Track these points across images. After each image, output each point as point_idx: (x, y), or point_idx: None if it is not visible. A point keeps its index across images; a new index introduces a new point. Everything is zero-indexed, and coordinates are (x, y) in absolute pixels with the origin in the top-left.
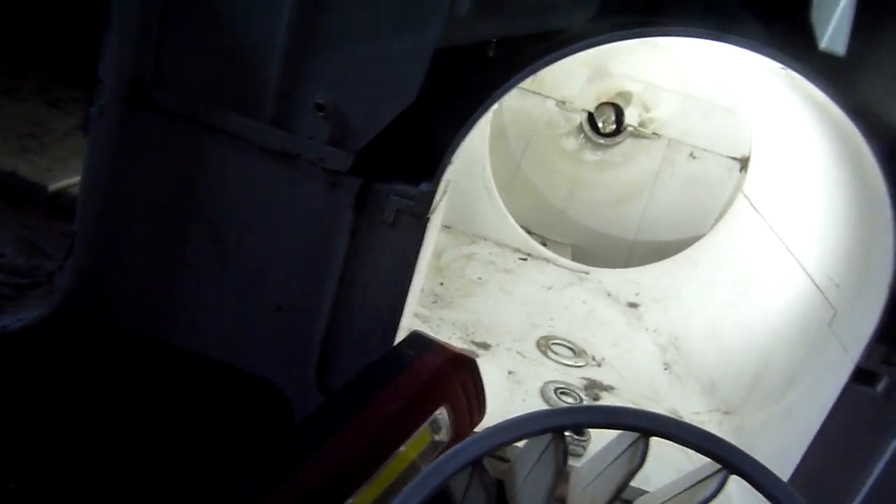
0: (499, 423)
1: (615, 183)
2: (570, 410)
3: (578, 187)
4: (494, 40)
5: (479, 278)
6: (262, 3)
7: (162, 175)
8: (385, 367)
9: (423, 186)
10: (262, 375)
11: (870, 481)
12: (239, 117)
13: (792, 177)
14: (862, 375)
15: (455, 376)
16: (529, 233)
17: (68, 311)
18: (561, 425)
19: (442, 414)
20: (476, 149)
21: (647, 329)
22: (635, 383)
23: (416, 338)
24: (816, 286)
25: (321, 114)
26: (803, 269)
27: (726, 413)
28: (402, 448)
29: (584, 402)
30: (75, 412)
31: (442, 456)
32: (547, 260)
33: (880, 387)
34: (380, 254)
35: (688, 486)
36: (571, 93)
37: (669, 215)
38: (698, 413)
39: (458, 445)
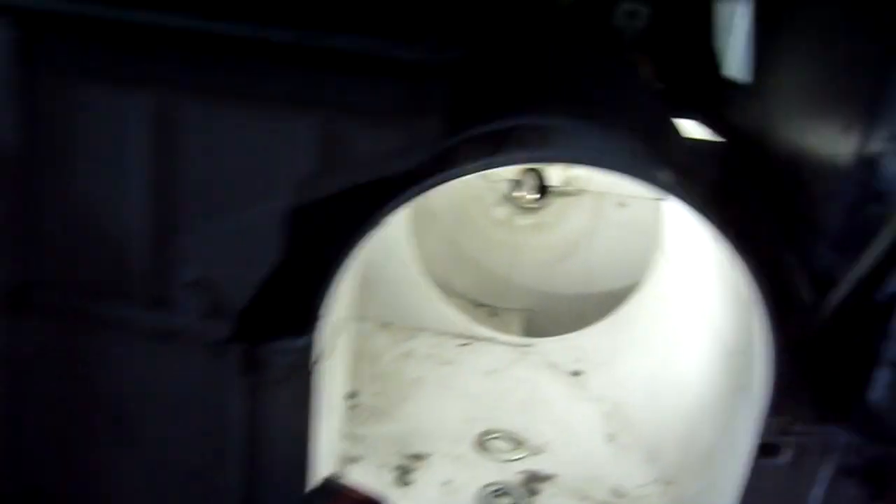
0: None
1: (552, 242)
2: None
3: (518, 252)
4: None
5: (418, 378)
6: (118, 187)
7: (50, 375)
8: None
9: (302, 341)
10: None
11: None
12: (116, 304)
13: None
14: (766, 448)
15: None
16: (480, 305)
17: None
18: None
19: None
20: (399, 245)
21: (590, 398)
22: (577, 465)
23: (325, 487)
24: (727, 352)
25: (194, 289)
26: (712, 331)
27: (668, 483)
28: None
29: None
30: None
31: None
32: (489, 340)
33: (785, 457)
34: (277, 410)
35: None
36: None
37: (611, 264)
38: (642, 485)
39: None
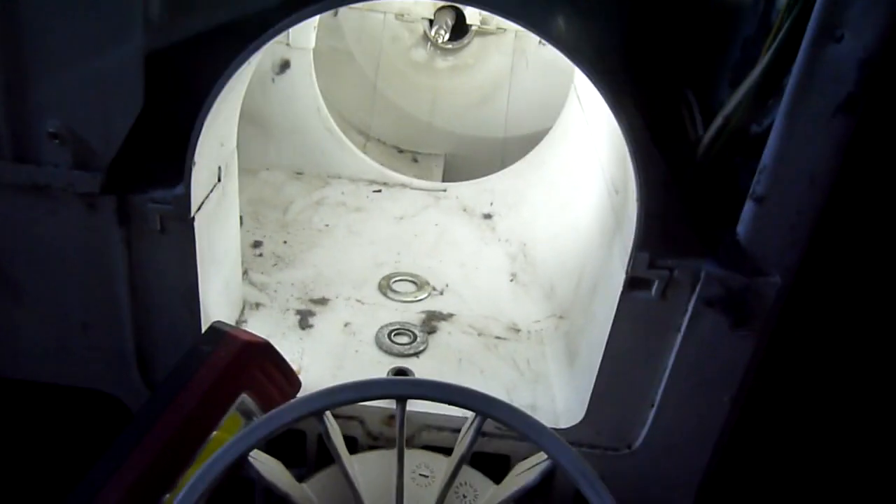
0: (244, 429)
1: (473, 84)
2: (317, 395)
3: (439, 96)
4: None
5: (326, 225)
6: None
7: None
8: (184, 367)
9: (178, 190)
10: (93, 388)
11: (666, 372)
12: None
13: None
14: (636, 282)
15: (251, 362)
16: (400, 151)
17: None
18: (312, 411)
19: (246, 399)
20: (306, 93)
21: (499, 240)
22: (477, 304)
23: (212, 331)
24: (608, 191)
25: (56, 141)
26: (602, 170)
27: (560, 318)
28: (214, 433)
29: (418, 339)
30: None
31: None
32: (403, 185)
33: (653, 290)
34: (158, 259)
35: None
36: (407, 3)
37: (532, 106)
38: (538, 321)
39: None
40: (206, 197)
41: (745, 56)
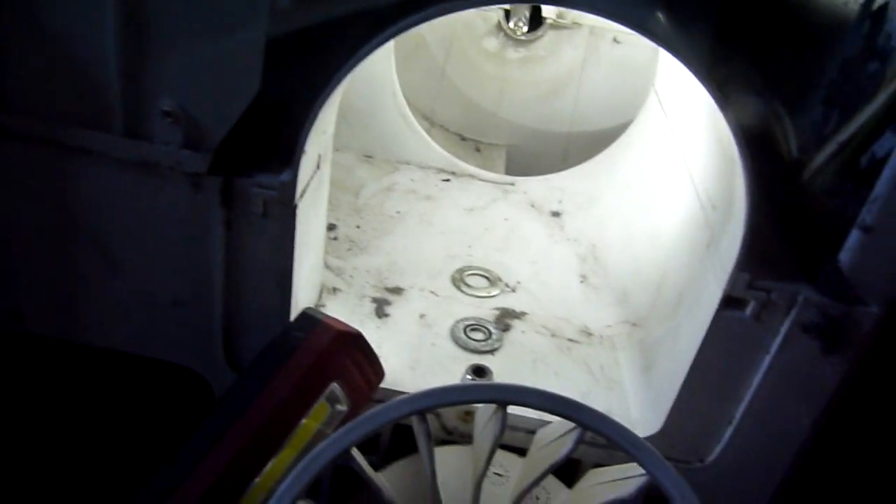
0: (350, 423)
1: (542, 77)
2: (422, 395)
3: (507, 86)
4: None
5: (398, 212)
6: (86, 12)
7: (33, 199)
8: (276, 352)
9: (284, 176)
10: (177, 362)
11: (750, 391)
12: (91, 133)
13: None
14: (731, 301)
15: (343, 352)
16: (463, 139)
17: None
18: (412, 411)
19: (336, 388)
20: (383, 76)
21: (568, 239)
22: (549, 303)
23: (305, 318)
24: (701, 204)
25: (170, 120)
26: (692, 181)
27: (634, 325)
28: (303, 421)
29: (493, 336)
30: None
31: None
32: (472, 176)
33: (748, 310)
34: (256, 242)
35: (550, 440)
36: None
37: (601, 104)
38: (609, 325)
39: (318, 448)
40: (307, 184)
41: (844, 77)
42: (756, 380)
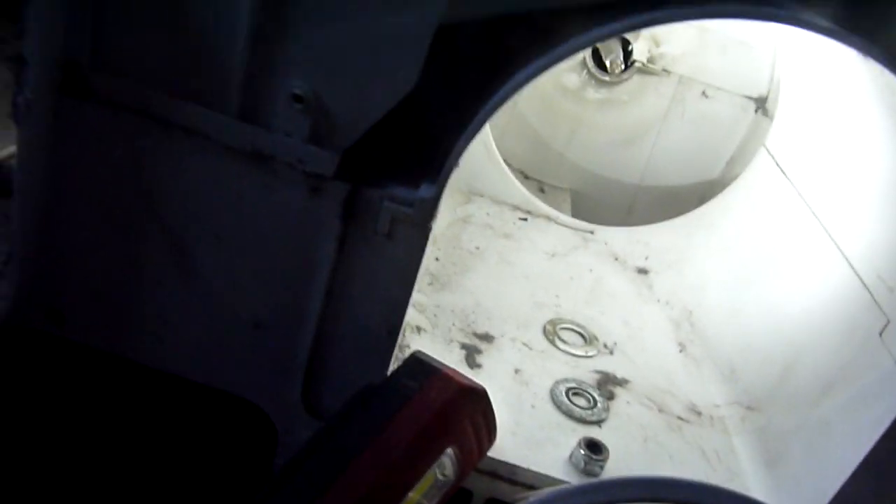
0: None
1: (620, 123)
2: (602, 487)
3: (580, 128)
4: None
5: (477, 248)
6: None
7: (109, 176)
8: (384, 401)
9: (424, 191)
10: (241, 395)
11: None
12: (199, 109)
13: (831, 140)
14: None
15: (464, 412)
16: (526, 177)
17: (12, 323)
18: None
19: (451, 455)
20: None
21: (658, 300)
22: (649, 372)
23: (417, 364)
24: (863, 284)
25: (299, 106)
26: (845, 258)
27: (749, 408)
28: (410, 494)
29: (599, 405)
30: (30, 435)
31: None
32: (548, 218)
33: None
34: (374, 267)
35: None
36: None
37: (678, 158)
38: (718, 406)
39: None
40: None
41: None
42: None
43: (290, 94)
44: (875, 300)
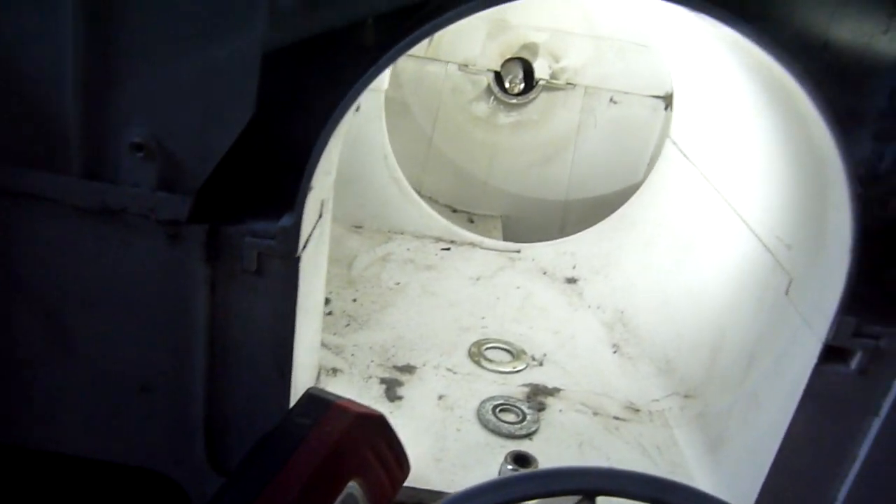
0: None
1: (536, 142)
2: (499, 485)
3: (498, 154)
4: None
5: (398, 283)
6: (39, 26)
7: None
8: (279, 444)
9: (285, 221)
10: (145, 466)
11: (856, 465)
12: (42, 174)
13: (721, 122)
14: (832, 352)
15: (363, 442)
16: (454, 211)
17: None
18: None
19: (354, 488)
20: (373, 138)
21: (589, 307)
22: (583, 378)
23: (310, 400)
24: (765, 247)
25: (141, 154)
26: (747, 225)
27: (687, 397)
28: None
29: (528, 418)
30: None
31: None
32: (473, 244)
33: (854, 363)
34: (249, 306)
35: None
36: (473, 53)
37: (599, 168)
38: (657, 400)
39: None
40: (311, 233)
41: (893, 106)
42: (863, 450)
43: (129, 143)
44: (777, 261)
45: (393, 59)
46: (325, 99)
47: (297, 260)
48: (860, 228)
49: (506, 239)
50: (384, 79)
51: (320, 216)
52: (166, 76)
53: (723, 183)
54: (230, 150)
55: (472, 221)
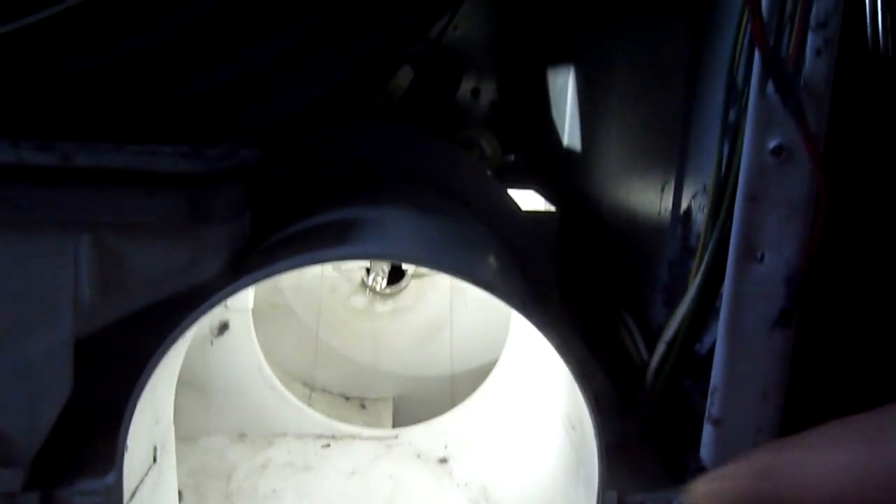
0: None
1: (414, 325)
2: None
3: (382, 338)
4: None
5: (273, 491)
6: None
7: None
8: None
9: (109, 478)
10: None
11: None
12: None
13: None
14: None
15: None
16: (347, 399)
17: None
18: None
19: None
20: (245, 352)
21: (458, 485)
22: None
23: None
24: (563, 426)
25: None
26: (557, 405)
27: None
28: None
29: None
30: None
31: None
32: (353, 437)
33: None
34: None
35: None
36: None
37: (476, 341)
38: None
39: None
40: (141, 482)
41: (673, 279)
42: None
43: None
44: (571, 441)
45: (181, 334)
46: (132, 367)
47: None
48: (597, 407)
49: (398, 419)
50: (248, 300)
51: (154, 461)
52: None
53: (547, 362)
54: (61, 419)
55: (364, 406)
